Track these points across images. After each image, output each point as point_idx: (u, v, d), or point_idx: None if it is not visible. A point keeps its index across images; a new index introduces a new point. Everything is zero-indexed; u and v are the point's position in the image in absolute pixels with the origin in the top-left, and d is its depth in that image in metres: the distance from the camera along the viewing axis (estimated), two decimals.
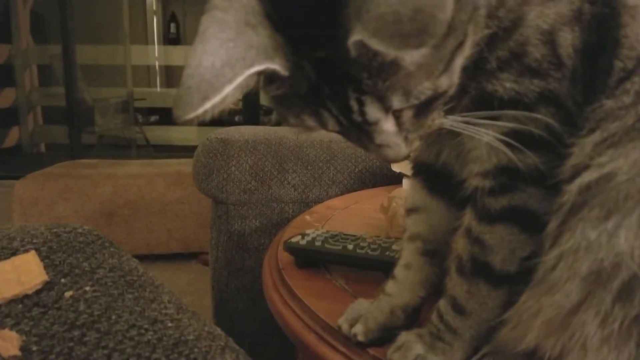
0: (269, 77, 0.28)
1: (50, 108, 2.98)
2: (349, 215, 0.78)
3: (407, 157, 0.34)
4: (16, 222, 1.63)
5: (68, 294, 0.28)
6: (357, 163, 1.03)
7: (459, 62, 0.30)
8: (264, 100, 2.73)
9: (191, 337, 0.29)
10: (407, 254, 0.41)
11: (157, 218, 1.71)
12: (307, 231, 0.58)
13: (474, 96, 0.33)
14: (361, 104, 0.28)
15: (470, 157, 0.34)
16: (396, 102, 0.28)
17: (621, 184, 0.27)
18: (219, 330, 0.32)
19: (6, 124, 2.78)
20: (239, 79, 0.26)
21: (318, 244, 0.54)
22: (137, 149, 3.18)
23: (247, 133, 1.02)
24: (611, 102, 0.30)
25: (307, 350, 0.42)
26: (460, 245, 0.35)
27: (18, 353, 0.24)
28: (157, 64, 3.88)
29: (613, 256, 0.26)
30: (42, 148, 3.00)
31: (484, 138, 0.32)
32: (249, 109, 2.58)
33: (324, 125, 0.30)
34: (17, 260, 0.29)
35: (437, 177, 0.40)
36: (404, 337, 0.36)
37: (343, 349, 0.39)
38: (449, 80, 0.29)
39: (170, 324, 0.29)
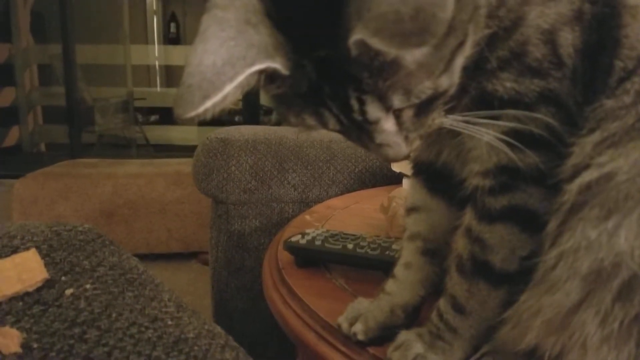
0: (269, 76, 0.28)
1: (50, 107, 2.98)
2: (349, 215, 0.78)
3: (407, 157, 0.34)
4: (16, 221, 1.63)
5: (68, 291, 0.28)
6: (357, 163, 1.03)
7: (460, 61, 0.30)
8: (264, 100, 2.73)
9: (191, 335, 0.29)
10: (407, 253, 0.41)
11: (157, 218, 1.71)
12: (307, 230, 0.58)
13: (475, 96, 0.33)
14: (362, 103, 0.28)
15: (471, 157, 0.34)
16: (397, 101, 0.28)
17: (621, 183, 0.27)
18: (218, 329, 0.32)
19: (6, 123, 2.78)
20: (240, 78, 0.26)
21: (318, 243, 0.54)
22: (137, 148, 3.18)
23: (247, 133, 1.02)
24: (611, 101, 0.30)
25: (307, 349, 0.42)
26: (460, 244, 0.35)
27: (19, 350, 0.24)
28: (157, 63, 3.88)
29: (613, 256, 0.26)
30: (42, 147, 3.00)
31: (484, 137, 0.32)
32: (249, 109, 2.58)
33: (324, 125, 0.30)
34: (18, 258, 0.29)
35: (437, 176, 0.40)
36: (403, 336, 0.36)
37: (343, 348, 0.39)
38: (450, 80, 0.29)
39: (170, 322, 0.29)
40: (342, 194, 0.99)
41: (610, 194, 0.27)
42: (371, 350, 0.38)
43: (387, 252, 0.51)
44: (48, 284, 0.28)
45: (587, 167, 0.29)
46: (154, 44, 4.05)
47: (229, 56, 0.26)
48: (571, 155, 0.30)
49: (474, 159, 0.34)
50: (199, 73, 0.26)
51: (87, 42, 2.89)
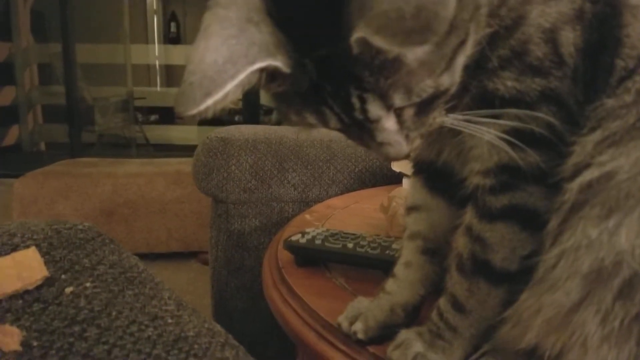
0: (270, 75, 0.28)
1: (50, 107, 2.98)
2: (349, 215, 0.78)
3: (408, 156, 0.34)
4: (16, 220, 1.63)
5: (68, 290, 0.28)
6: (357, 163, 1.03)
7: (461, 60, 0.30)
8: (264, 99, 2.73)
9: (191, 333, 0.29)
10: (408, 252, 0.41)
11: (157, 217, 1.71)
12: (307, 230, 0.58)
13: (475, 95, 0.33)
14: (363, 101, 0.28)
15: (471, 156, 0.34)
16: (398, 100, 0.28)
17: (622, 182, 0.27)
18: (218, 327, 0.32)
19: (6, 123, 2.78)
20: (241, 76, 0.26)
21: (318, 242, 0.54)
22: (136, 148, 3.18)
23: (247, 132, 1.02)
24: (612, 100, 0.30)
25: (306, 348, 0.42)
26: (460, 243, 0.35)
27: (19, 348, 0.24)
28: (157, 63, 3.88)
29: (614, 255, 0.26)
30: (42, 147, 3.00)
31: (485, 136, 0.32)
32: (249, 109, 2.58)
33: (325, 123, 0.30)
34: (18, 256, 0.29)
35: (437, 175, 0.40)
36: (403, 334, 0.36)
37: (343, 347, 0.39)
38: (451, 79, 0.29)
39: (170, 321, 0.29)
40: (342, 193, 0.99)
41: (611, 193, 0.27)
42: (371, 349, 0.38)
43: (387, 252, 0.51)
44: (48, 282, 0.28)
45: (588, 166, 0.29)
46: (154, 43, 4.05)
47: (230, 54, 0.26)
48: (572, 154, 0.30)
49: (475, 158, 0.34)
50: (200, 71, 0.26)
51: (87, 41, 2.89)
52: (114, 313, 0.27)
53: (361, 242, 0.53)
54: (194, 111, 0.26)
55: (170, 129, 3.39)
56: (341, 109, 0.29)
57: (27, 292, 0.28)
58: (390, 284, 0.41)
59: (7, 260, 0.28)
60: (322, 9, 0.27)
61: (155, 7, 4.14)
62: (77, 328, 0.26)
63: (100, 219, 1.67)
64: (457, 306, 0.34)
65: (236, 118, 3.10)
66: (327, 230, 0.58)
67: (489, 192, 0.33)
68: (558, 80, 0.32)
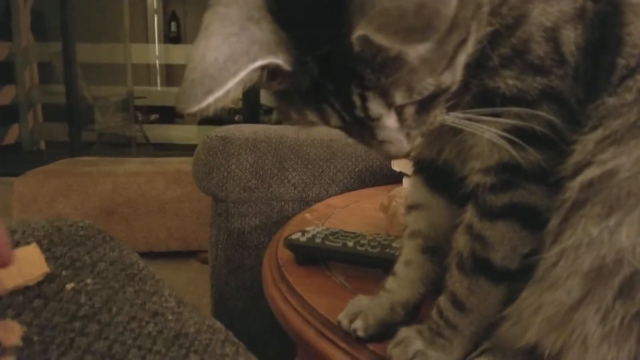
0: (271, 72, 0.28)
1: (50, 106, 2.98)
2: (349, 214, 0.78)
3: (408, 154, 0.34)
4: (16, 218, 1.63)
5: (69, 286, 0.28)
6: (357, 162, 1.03)
7: (462, 59, 0.30)
8: (264, 99, 2.73)
9: (192, 330, 0.29)
10: (408, 250, 0.41)
11: (157, 216, 1.71)
12: (308, 228, 0.58)
13: (476, 93, 0.33)
14: (364, 99, 0.28)
15: (472, 154, 0.34)
16: (399, 97, 0.28)
17: (623, 180, 0.27)
18: (219, 324, 0.32)
19: (6, 122, 2.78)
20: (243, 74, 0.26)
21: (318, 241, 0.54)
22: (136, 147, 3.18)
23: (248, 131, 1.02)
24: (613, 99, 0.30)
25: (306, 346, 0.42)
26: (461, 241, 0.35)
27: (19, 343, 0.24)
28: (157, 62, 3.88)
29: (615, 253, 0.26)
30: (42, 145, 3.00)
31: (486, 135, 0.32)
32: (249, 108, 2.58)
33: (326, 121, 0.30)
34: (19, 252, 0.29)
35: (438, 174, 0.40)
36: (403, 332, 0.36)
37: (343, 345, 0.39)
38: (452, 77, 0.29)
39: (170, 317, 0.29)
40: (342, 192, 0.99)
41: (612, 191, 0.27)
42: (371, 347, 0.38)
43: (387, 250, 0.51)
44: (49, 278, 0.28)
45: (589, 164, 0.29)
46: (154, 42, 4.04)
47: (231, 52, 0.26)
48: (573, 153, 0.30)
49: (476, 156, 0.34)
50: (201, 69, 0.26)
51: (87, 40, 2.89)
52: (114, 309, 0.27)
53: (361, 241, 0.53)
54: (195, 109, 0.26)
55: (170, 129, 3.39)
56: (342, 107, 0.29)
57: (27, 288, 0.28)
58: (390, 282, 0.41)
59: None
60: (323, 7, 0.27)
61: (155, 6, 4.14)
62: (77, 324, 0.26)
63: (100, 217, 1.67)
64: (457, 304, 0.34)
65: (236, 117, 3.10)
66: (327, 228, 0.58)
67: (489, 191, 0.33)
68: (559, 78, 0.32)
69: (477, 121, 0.32)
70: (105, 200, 1.69)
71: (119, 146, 3.17)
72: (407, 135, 0.31)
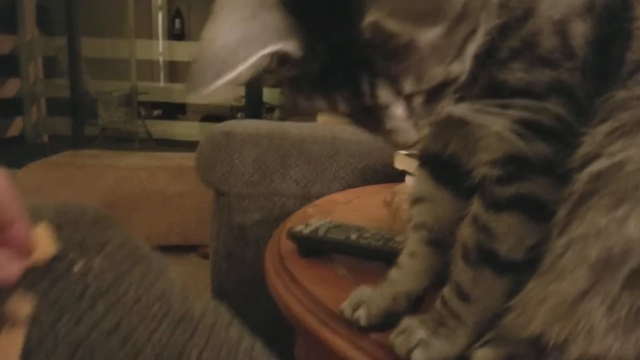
0: (281, 59, 0.28)
1: (54, 99, 2.98)
2: (351, 210, 0.78)
3: (415, 145, 0.34)
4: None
5: (77, 266, 0.28)
6: (360, 160, 1.04)
7: (471, 49, 0.30)
8: (267, 97, 2.73)
9: (197, 312, 0.29)
10: (412, 242, 0.41)
11: (158, 210, 1.71)
12: (311, 221, 0.58)
13: (485, 85, 0.33)
14: (373, 87, 0.28)
15: (479, 146, 0.35)
16: (408, 86, 0.28)
17: (632, 172, 0.27)
18: (223, 309, 0.32)
19: (10, 114, 2.78)
20: (253, 59, 0.27)
21: (321, 233, 0.54)
22: (139, 142, 3.18)
23: (251, 127, 1.02)
24: (623, 92, 0.30)
25: (308, 334, 0.42)
26: (466, 232, 0.35)
27: (28, 319, 0.24)
28: (161, 59, 3.89)
29: (623, 243, 0.26)
30: (45, 139, 3.01)
31: (494, 127, 0.32)
32: (251, 106, 2.58)
33: (334, 108, 0.30)
34: None
35: (444, 167, 0.40)
36: (407, 322, 0.36)
37: (345, 333, 0.39)
38: (461, 67, 0.29)
39: (176, 298, 0.29)
40: (344, 190, 0.99)
41: (620, 183, 0.27)
42: (373, 335, 0.38)
43: (390, 244, 0.51)
44: (57, 258, 0.28)
45: (597, 156, 0.29)
46: (158, 39, 4.05)
47: (242, 37, 0.27)
48: (581, 145, 0.30)
49: (483, 148, 0.34)
50: (212, 52, 0.26)
51: (92, 35, 2.90)
52: (121, 290, 0.28)
53: (364, 234, 0.53)
54: (205, 91, 0.26)
55: (172, 125, 3.39)
56: (351, 94, 0.29)
57: (36, 267, 0.28)
58: (394, 273, 0.41)
59: None
60: None
61: (160, 3, 4.15)
62: (86, 302, 0.26)
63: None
64: (462, 295, 0.35)
65: (239, 115, 3.11)
66: (331, 221, 0.58)
67: (496, 183, 0.33)
68: (568, 72, 0.32)
69: (486, 113, 0.32)
70: (107, 193, 1.69)
71: (122, 141, 3.17)
72: (415, 125, 0.31)
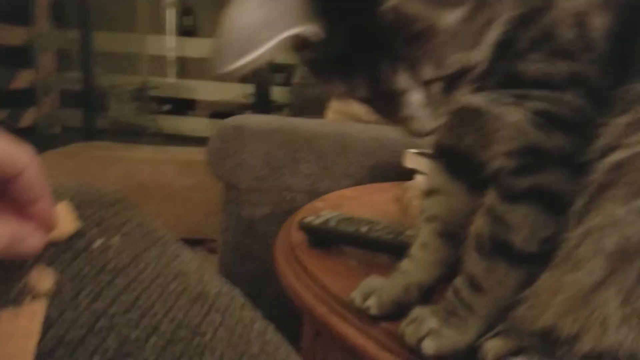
0: (303, 41, 0.29)
1: (66, 92, 3.01)
2: (360, 205, 0.78)
3: (430, 133, 0.34)
4: None
5: (97, 243, 0.29)
6: (370, 157, 1.04)
7: (490, 38, 0.30)
8: (275, 95, 2.74)
9: (212, 291, 0.29)
10: (424, 234, 0.41)
11: (166, 203, 1.72)
12: (322, 212, 0.58)
13: (503, 75, 0.33)
14: (392, 71, 0.29)
15: (495, 137, 0.35)
16: (427, 72, 0.29)
17: None
18: (237, 291, 0.33)
19: (23, 105, 2.81)
20: (276, 40, 0.27)
21: (332, 224, 0.54)
22: (148, 136, 3.20)
23: (262, 121, 1.03)
24: None
25: (318, 322, 0.42)
26: (480, 224, 0.35)
27: (51, 289, 0.25)
28: (171, 54, 3.91)
29: None
30: (57, 130, 3.03)
31: (511, 118, 0.32)
32: (260, 104, 2.59)
33: (352, 92, 0.31)
34: None
35: (458, 160, 0.40)
36: (417, 311, 0.36)
37: (355, 321, 0.39)
38: (480, 55, 0.30)
39: (193, 278, 0.30)
40: (352, 186, 0.99)
41: (639, 173, 0.27)
42: (384, 324, 0.38)
43: (400, 237, 0.51)
44: (78, 234, 0.29)
45: (616, 147, 0.29)
46: (168, 35, 4.07)
47: (266, 18, 0.27)
48: (600, 136, 0.30)
49: (499, 139, 0.34)
50: (236, 31, 0.27)
51: (104, 29, 2.92)
52: (140, 266, 0.28)
53: (375, 227, 0.54)
54: (228, 70, 0.27)
55: (181, 120, 3.40)
56: (370, 79, 0.29)
57: (57, 243, 0.28)
58: (405, 264, 0.41)
59: None
60: None
61: None
62: (106, 276, 0.26)
63: None
64: (474, 285, 0.35)
65: (246, 113, 3.11)
66: (341, 214, 0.58)
67: (512, 174, 0.34)
68: (587, 63, 0.32)
69: (503, 103, 0.32)
70: (116, 185, 1.69)
71: (131, 134, 3.19)
72: (432, 113, 0.31)
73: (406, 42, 0.27)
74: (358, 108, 1.41)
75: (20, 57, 2.78)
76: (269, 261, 0.59)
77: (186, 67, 3.94)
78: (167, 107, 3.55)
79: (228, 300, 0.30)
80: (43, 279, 0.25)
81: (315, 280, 0.46)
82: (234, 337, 0.27)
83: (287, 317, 0.49)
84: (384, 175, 1.04)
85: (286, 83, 2.85)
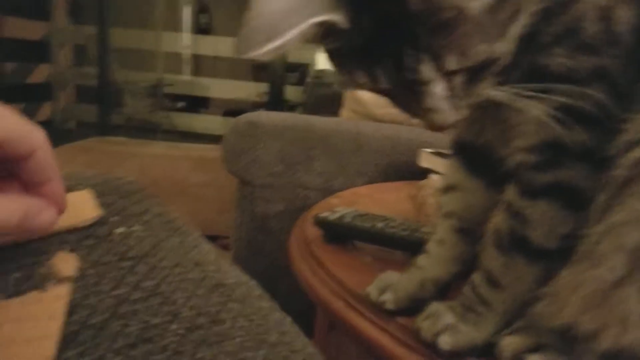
0: (327, 30, 0.29)
1: (82, 87, 3.05)
2: (375, 203, 0.78)
3: (451, 126, 0.34)
4: None
5: (119, 230, 0.29)
6: (383, 156, 1.04)
7: (515, 30, 0.30)
8: (289, 95, 2.75)
9: (231, 281, 0.30)
10: (441, 230, 0.41)
11: (179, 199, 1.74)
12: (337, 208, 0.58)
13: (526, 69, 0.33)
14: (416, 61, 0.29)
15: (516, 132, 0.34)
16: (451, 62, 0.28)
17: None
18: (254, 282, 0.33)
19: (39, 99, 2.85)
20: (302, 27, 0.27)
21: (348, 220, 0.54)
22: (162, 133, 3.23)
23: (276, 118, 1.03)
24: None
25: (334, 317, 0.42)
26: (499, 219, 0.35)
27: (74, 274, 0.25)
28: (186, 52, 3.94)
29: None
30: (73, 125, 3.08)
31: (533, 112, 0.32)
32: (273, 103, 2.60)
33: (374, 83, 0.31)
34: (72, 196, 0.30)
35: (477, 156, 0.40)
36: (434, 306, 0.36)
37: (371, 316, 0.39)
38: (504, 47, 0.29)
39: (212, 268, 0.30)
40: (366, 185, 0.99)
41: None
42: (399, 319, 0.38)
43: (416, 234, 0.51)
44: (99, 222, 0.29)
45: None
46: (184, 32, 4.10)
47: (293, 5, 0.27)
48: (623, 132, 0.30)
49: (520, 134, 0.34)
50: (263, 16, 0.27)
51: (121, 25, 2.96)
52: (160, 254, 0.28)
53: (390, 224, 0.54)
54: (254, 54, 0.27)
55: (195, 118, 3.43)
56: (393, 69, 0.29)
57: (79, 229, 0.29)
58: (422, 259, 0.41)
59: None
60: None
61: None
62: (127, 263, 0.27)
63: None
64: (492, 281, 0.34)
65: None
66: (356, 210, 0.58)
67: (532, 169, 0.33)
68: (611, 58, 0.31)
69: (525, 97, 0.32)
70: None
71: (145, 131, 3.22)
72: (454, 105, 0.31)
73: (432, 30, 0.27)
74: (373, 107, 1.40)
75: (38, 51, 2.83)
76: (281, 258, 0.59)
77: (201, 65, 3.97)
78: (181, 104, 3.58)
79: (246, 290, 0.30)
80: (66, 265, 0.25)
81: (331, 275, 0.46)
82: (252, 326, 0.28)
83: (299, 313, 0.49)
84: (397, 174, 1.03)
85: (299, 82, 2.86)
